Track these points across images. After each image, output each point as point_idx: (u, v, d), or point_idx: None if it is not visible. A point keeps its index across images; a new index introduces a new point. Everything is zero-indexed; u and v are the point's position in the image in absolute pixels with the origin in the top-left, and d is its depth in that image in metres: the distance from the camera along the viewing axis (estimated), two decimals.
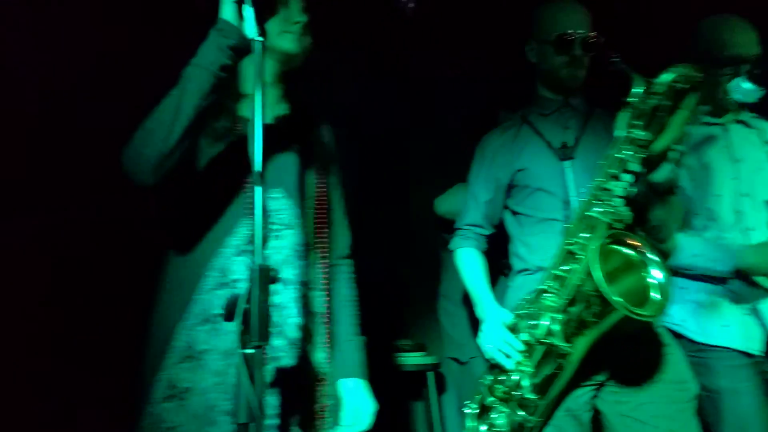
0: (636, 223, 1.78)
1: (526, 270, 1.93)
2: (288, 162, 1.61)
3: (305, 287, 1.60)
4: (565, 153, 1.92)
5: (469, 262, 2.04)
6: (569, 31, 1.91)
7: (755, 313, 2.08)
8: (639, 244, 1.67)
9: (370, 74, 3.08)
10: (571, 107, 2.01)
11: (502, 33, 2.16)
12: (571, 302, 1.66)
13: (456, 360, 2.71)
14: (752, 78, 1.61)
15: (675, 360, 1.82)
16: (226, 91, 1.46)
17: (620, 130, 1.66)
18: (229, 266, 1.49)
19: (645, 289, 1.64)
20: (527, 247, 1.95)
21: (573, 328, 1.66)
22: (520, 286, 1.91)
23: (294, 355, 1.52)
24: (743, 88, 1.62)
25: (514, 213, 2.01)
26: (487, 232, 2.07)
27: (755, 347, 2.05)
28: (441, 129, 3.07)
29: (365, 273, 1.80)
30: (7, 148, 2.16)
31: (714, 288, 2.10)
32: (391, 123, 3.17)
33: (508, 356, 1.76)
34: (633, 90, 1.65)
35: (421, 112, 3.22)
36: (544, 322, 1.69)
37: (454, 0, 2.91)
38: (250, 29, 1.31)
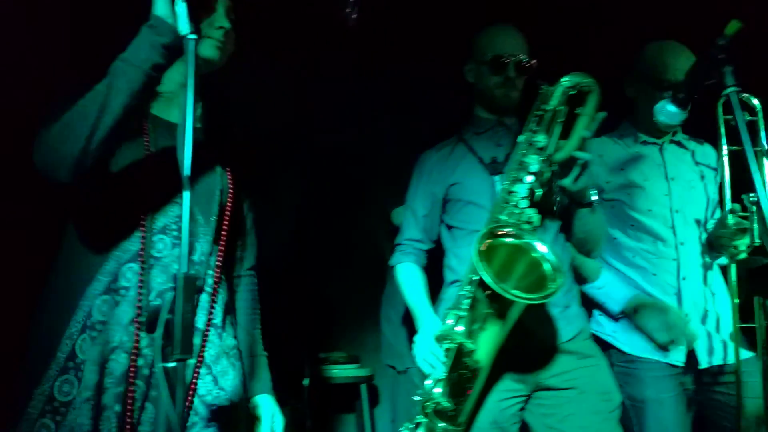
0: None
1: (456, 281, 1.97)
2: (198, 168, 1.52)
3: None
4: (495, 168, 2.00)
5: (407, 276, 2.08)
6: (504, 53, 2.01)
7: None
8: (513, 231, 1.74)
9: (329, 79, 3.09)
10: (504, 126, 2.10)
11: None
12: (475, 305, 1.72)
13: (393, 368, 2.74)
14: (676, 101, 1.66)
15: (599, 371, 1.90)
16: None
17: (521, 135, 1.77)
18: (123, 272, 1.42)
19: (539, 265, 1.71)
20: (458, 258, 2.01)
21: (477, 327, 1.71)
22: (451, 297, 1.94)
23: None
24: (668, 111, 1.68)
25: (449, 227, 2.07)
26: (425, 247, 2.12)
27: (680, 359, 2.11)
28: (397, 139, 3.09)
29: (301, 285, 1.76)
30: None
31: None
32: (346, 132, 3.17)
33: (433, 367, 1.80)
34: (537, 102, 1.78)
35: (377, 122, 3.21)
36: (457, 327, 1.73)
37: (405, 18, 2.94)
38: (183, 26, 1.26)
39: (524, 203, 1.78)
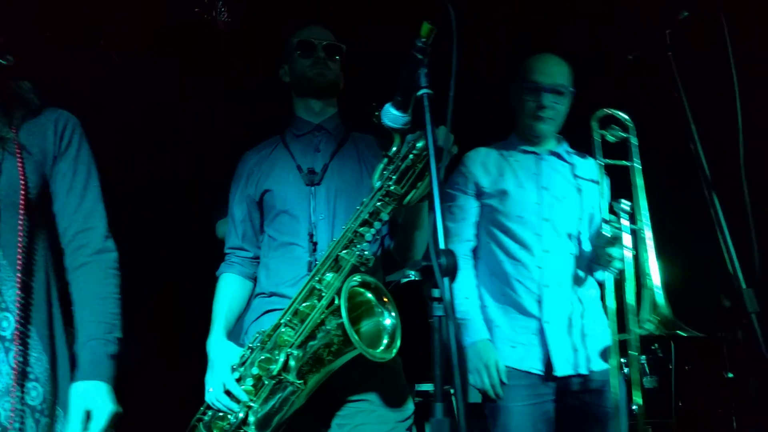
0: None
1: (261, 293, 1.94)
2: None
3: None
4: (311, 178, 1.95)
5: (221, 289, 1.98)
6: (311, 37, 2.04)
7: (541, 333, 2.18)
8: (379, 289, 1.75)
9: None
10: (325, 130, 2.06)
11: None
12: (310, 338, 1.69)
13: None
14: (396, 104, 1.60)
15: (393, 381, 1.90)
16: None
17: (378, 181, 1.73)
18: None
19: (379, 331, 1.73)
20: (266, 269, 1.96)
21: (309, 365, 1.68)
22: (255, 310, 1.92)
23: None
24: (391, 114, 1.62)
25: (267, 234, 2.00)
26: (250, 254, 2.02)
27: (536, 367, 2.16)
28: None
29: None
30: None
31: (505, 311, 2.23)
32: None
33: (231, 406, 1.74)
34: (393, 145, 1.71)
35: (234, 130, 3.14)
36: (280, 358, 1.68)
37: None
38: None
39: (367, 246, 1.74)
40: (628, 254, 2.11)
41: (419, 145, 1.68)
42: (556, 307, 2.19)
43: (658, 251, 2.11)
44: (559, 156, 2.35)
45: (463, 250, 2.30)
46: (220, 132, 3.24)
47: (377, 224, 1.73)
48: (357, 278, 1.71)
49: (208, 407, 1.81)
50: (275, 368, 1.67)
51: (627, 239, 2.11)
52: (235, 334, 1.95)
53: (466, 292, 2.24)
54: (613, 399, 2.08)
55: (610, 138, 2.26)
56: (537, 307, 2.18)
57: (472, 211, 2.32)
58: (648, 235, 2.13)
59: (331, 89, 2.06)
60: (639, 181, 2.21)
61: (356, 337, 1.62)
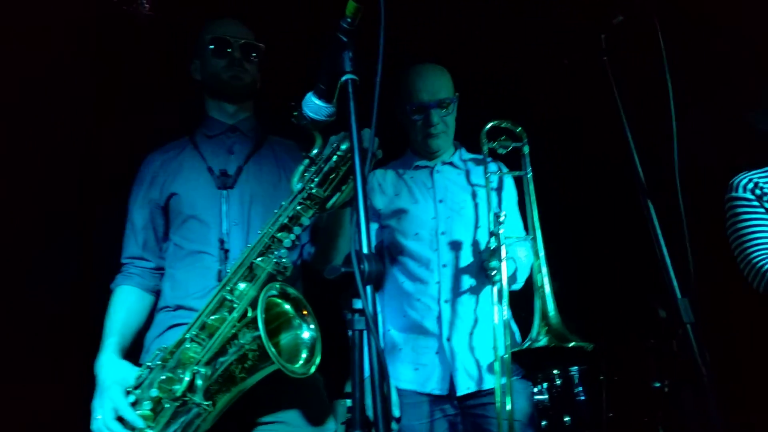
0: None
1: (165, 307, 1.77)
2: None
3: None
4: (224, 182, 1.80)
5: (116, 302, 1.79)
6: (225, 35, 1.88)
7: (442, 352, 2.11)
8: (299, 300, 1.62)
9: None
10: (239, 131, 1.92)
11: None
12: (220, 354, 1.53)
13: None
14: (318, 93, 1.48)
15: (312, 399, 1.77)
16: None
17: (299, 183, 1.60)
18: None
19: (298, 345, 1.59)
20: (172, 280, 1.79)
21: (218, 384, 1.53)
22: (158, 325, 1.76)
23: None
24: (313, 104, 1.50)
25: (173, 242, 1.82)
26: (152, 265, 1.84)
27: (439, 388, 2.09)
28: None
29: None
30: None
31: (407, 332, 2.16)
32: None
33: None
34: (315, 146, 1.60)
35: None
36: (185, 377, 1.51)
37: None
38: None
39: (285, 253, 1.60)
40: (504, 266, 2.04)
41: (344, 147, 1.57)
42: (455, 322, 2.12)
43: (602, 261, 2.08)
44: (452, 165, 2.31)
45: None
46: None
47: (297, 229, 1.59)
48: (277, 287, 1.57)
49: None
50: (179, 389, 1.50)
51: (504, 251, 2.04)
52: (132, 352, 1.75)
53: None
54: (512, 412, 2.01)
55: (501, 150, 2.26)
56: (437, 324, 2.12)
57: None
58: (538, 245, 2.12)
59: (247, 93, 1.92)
60: (531, 191, 2.21)
61: (274, 350, 1.47)
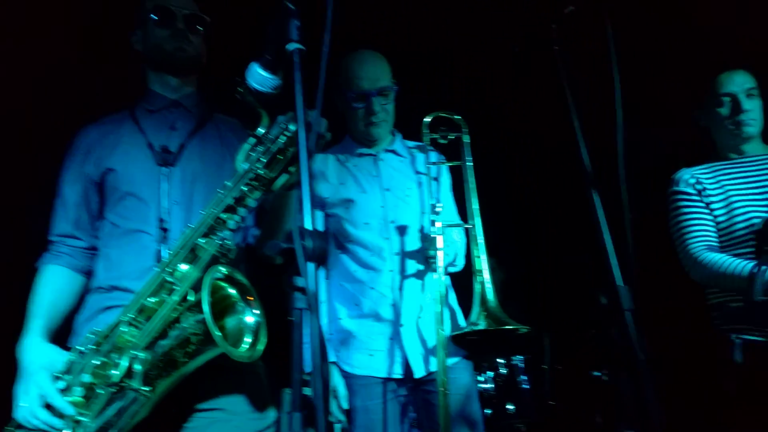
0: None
1: (99, 288, 1.69)
2: None
3: None
4: (165, 158, 1.73)
5: (42, 282, 1.69)
6: (168, 3, 1.80)
7: (398, 337, 2.15)
8: (243, 284, 1.57)
9: None
10: (183, 107, 1.85)
11: None
12: (161, 338, 1.48)
13: None
14: (264, 63, 1.43)
15: (253, 385, 1.73)
16: None
17: (244, 164, 1.55)
18: None
19: (241, 330, 1.55)
20: (107, 260, 1.71)
21: (158, 369, 1.47)
22: (89, 307, 1.68)
23: None
24: (258, 75, 1.46)
25: (109, 221, 1.74)
26: (84, 244, 1.75)
27: (396, 372, 2.14)
28: None
29: None
30: None
31: (360, 320, 2.18)
32: None
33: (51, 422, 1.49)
34: (261, 125, 1.55)
35: None
36: (122, 362, 1.45)
37: None
38: None
39: (229, 234, 1.55)
40: (441, 255, 2.11)
41: (292, 127, 1.53)
42: (409, 308, 2.17)
43: (547, 249, 2.12)
44: (395, 152, 2.33)
45: None
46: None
47: (242, 211, 1.54)
48: (222, 271, 1.52)
49: (19, 426, 1.53)
50: (116, 374, 1.44)
51: (440, 241, 2.11)
52: (59, 337, 1.67)
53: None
54: (457, 387, 2.12)
55: (441, 140, 2.30)
56: (392, 311, 2.16)
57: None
58: (477, 233, 2.17)
59: (192, 66, 1.85)
60: (471, 180, 2.26)
61: (219, 334, 1.43)
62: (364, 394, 2.11)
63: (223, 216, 1.53)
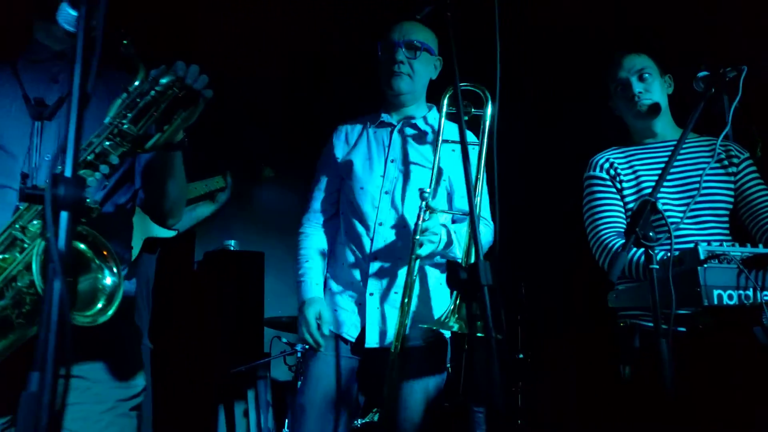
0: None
1: None
2: None
3: None
4: (40, 112, 1.61)
5: None
6: None
7: (362, 305, 2.22)
8: (97, 241, 1.48)
9: None
10: (67, 59, 1.71)
11: None
12: None
13: None
14: (74, 2, 1.37)
15: (118, 351, 1.64)
16: None
17: (109, 118, 1.48)
18: None
19: (95, 292, 1.46)
20: None
21: None
22: None
23: None
24: (68, 14, 1.41)
25: None
26: None
27: (351, 334, 2.21)
28: None
29: None
30: None
31: (339, 278, 2.28)
32: None
33: None
34: (136, 79, 1.49)
35: None
36: None
37: None
38: None
39: (90, 193, 1.51)
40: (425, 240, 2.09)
41: (163, 81, 1.47)
42: (380, 280, 2.20)
43: None
44: (416, 127, 2.32)
45: (314, 219, 2.37)
46: None
47: (104, 168, 1.46)
48: (78, 229, 1.42)
49: None
50: None
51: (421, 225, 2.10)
52: None
53: (308, 256, 2.30)
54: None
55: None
56: (362, 278, 2.21)
57: (323, 183, 2.36)
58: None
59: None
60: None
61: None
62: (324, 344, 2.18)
63: (82, 173, 1.44)
